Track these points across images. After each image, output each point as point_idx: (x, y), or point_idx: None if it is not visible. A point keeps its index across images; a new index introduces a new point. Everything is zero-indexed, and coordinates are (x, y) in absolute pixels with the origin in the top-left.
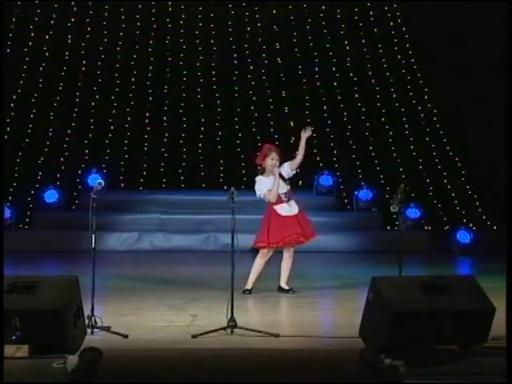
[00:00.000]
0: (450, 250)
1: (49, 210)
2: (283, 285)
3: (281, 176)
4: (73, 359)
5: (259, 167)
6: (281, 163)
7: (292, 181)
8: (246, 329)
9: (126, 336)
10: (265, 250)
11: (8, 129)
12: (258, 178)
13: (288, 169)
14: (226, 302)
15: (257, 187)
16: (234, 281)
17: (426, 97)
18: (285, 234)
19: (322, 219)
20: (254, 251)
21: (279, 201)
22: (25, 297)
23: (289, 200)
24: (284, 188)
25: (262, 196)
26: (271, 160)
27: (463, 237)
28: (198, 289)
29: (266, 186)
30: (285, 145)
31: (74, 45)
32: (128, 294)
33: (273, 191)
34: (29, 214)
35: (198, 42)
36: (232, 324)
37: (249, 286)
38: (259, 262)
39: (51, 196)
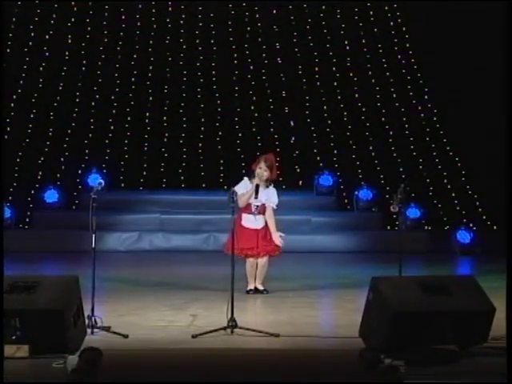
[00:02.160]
0: (450, 249)
1: (49, 209)
2: (258, 285)
3: (257, 189)
4: (73, 359)
5: (252, 173)
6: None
7: (291, 181)
8: (247, 329)
9: (126, 336)
10: (250, 259)
11: (8, 129)
12: (245, 179)
13: (269, 197)
14: (226, 301)
15: (237, 186)
16: (234, 281)
17: (426, 97)
18: (238, 246)
19: (322, 219)
20: None
21: (248, 210)
22: (25, 297)
23: (258, 214)
24: (258, 202)
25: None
26: (259, 168)
27: (463, 237)
28: (198, 289)
29: (245, 188)
30: (284, 145)
31: (73, 45)
32: (128, 293)
33: (244, 196)
34: (29, 213)
35: (197, 41)
36: (232, 324)
37: (251, 286)
38: (249, 270)
39: (51, 196)
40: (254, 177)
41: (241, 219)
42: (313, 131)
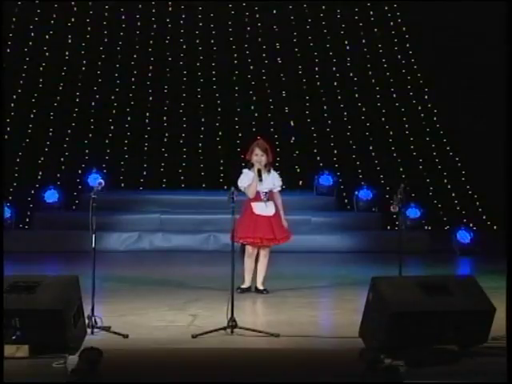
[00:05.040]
0: (450, 250)
1: (49, 209)
2: (259, 285)
3: (259, 173)
4: (73, 359)
5: (249, 163)
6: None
7: (291, 181)
8: (247, 329)
9: (126, 336)
10: (249, 249)
11: (8, 129)
12: (245, 171)
13: (274, 182)
14: (226, 301)
15: (240, 179)
16: (234, 281)
17: (426, 97)
18: (249, 234)
19: (322, 219)
20: (241, 250)
21: (257, 198)
22: (25, 297)
23: (268, 200)
24: (265, 188)
25: (242, 189)
26: (255, 156)
27: (463, 237)
28: (198, 289)
29: (249, 180)
30: (285, 144)
31: (74, 45)
32: (128, 293)
33: (251, 186)
34: (29, 214)
35: (198, 41)
36: (232, 324)
37: (246, 284)
38: (247, 261)
39: (51, 196)
40: (252, 166)
41: (251, 208)
42: (313, 131)
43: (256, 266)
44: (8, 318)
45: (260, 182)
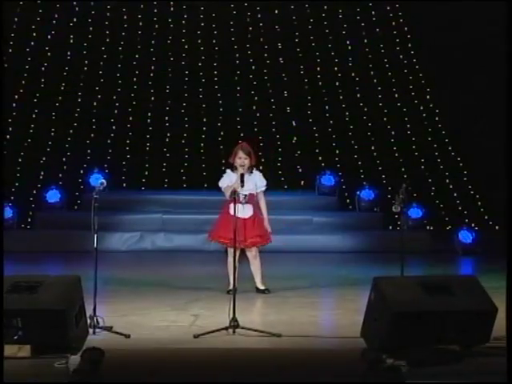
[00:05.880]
0: (451, 249)
1: (51, 209)
2: (259, 285)
3: (242, 178)
4: (75, 359)
5: (232, 166)
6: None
7: (293, 181)
8: (248, 329)
9: (127, 336)
10: (229, 249)
11: (10, 129)
12: (228, 172)
13: (258, 185)
14: (228, 302)
15: (221, 180)
16: (235, 281)
17: (427, 96)
18: (220, 234)
19: (324, 219)
20: (224, 251)
21: (236, 200)
22: (27, 297)
23: (246, 203)
24: (246, 190)
25: (222, 189)
26: (239, 159)
27: (465, 237)
28: (199, 289)
29: (230, 181)
30: (285, 144)
31: (75, 45)
32: (130, 293)
33: (230, 188)
34: (31, 213)
35: (199, 41)
36: (234, 324)
37: (230, 286)
38: (229, 261)
39: (53, 196)
40: (235, 168)
41: (228, 208)
42: (315, 131)
43: (251, 268)
44: (10, 318)
45: (241, 188)
